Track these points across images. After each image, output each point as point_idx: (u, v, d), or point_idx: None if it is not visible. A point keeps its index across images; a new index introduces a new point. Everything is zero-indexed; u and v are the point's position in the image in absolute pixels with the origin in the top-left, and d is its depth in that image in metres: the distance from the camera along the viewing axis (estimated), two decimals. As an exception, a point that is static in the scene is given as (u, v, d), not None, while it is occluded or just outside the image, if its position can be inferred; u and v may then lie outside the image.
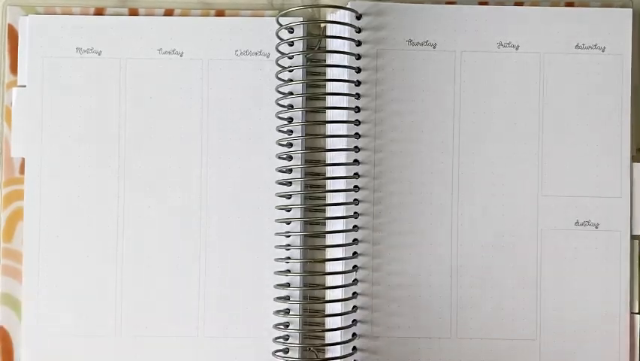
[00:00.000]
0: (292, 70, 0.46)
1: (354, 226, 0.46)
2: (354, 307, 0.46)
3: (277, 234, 0.46)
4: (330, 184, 0.46)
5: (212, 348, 0.47)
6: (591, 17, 0.48)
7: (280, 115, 0.46)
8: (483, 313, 0.46)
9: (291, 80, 0.46)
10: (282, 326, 0.45)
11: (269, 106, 0.47)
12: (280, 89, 0.46)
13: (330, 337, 0.45)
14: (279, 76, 0.46)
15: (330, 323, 0.46)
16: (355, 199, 0.46)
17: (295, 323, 0.46)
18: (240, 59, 0.48)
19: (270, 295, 0.46)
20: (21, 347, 0.47)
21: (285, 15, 0.46)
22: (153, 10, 0.48)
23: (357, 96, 0.46)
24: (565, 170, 0.47)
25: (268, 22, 0.47)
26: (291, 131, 0.46)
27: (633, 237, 0.47)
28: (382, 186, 0.47)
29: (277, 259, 0.46)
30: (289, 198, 0.46)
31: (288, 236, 0.46)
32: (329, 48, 0.47)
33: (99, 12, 0.48)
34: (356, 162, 0.46)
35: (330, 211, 0.46)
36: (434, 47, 0.47)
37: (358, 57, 0.47)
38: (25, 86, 0.48)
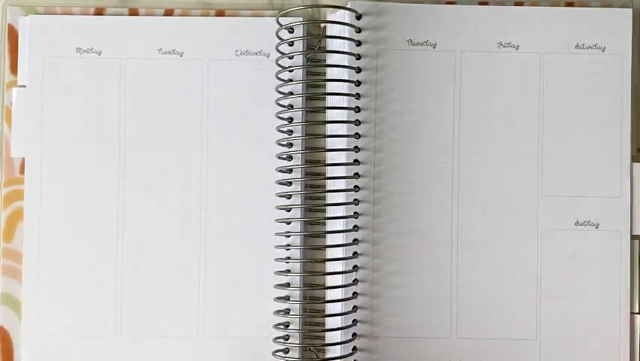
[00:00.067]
0: (292, 70, 0.46)
1: (355, 226, 0.46)
2: (354, 307, 0.46)
3: (277, 234, 0.46)
4: (330, 184, 0.46)
5: (212, 348, 0.47)
6: (591, 17, 0.48)
7: (280, 115, 0.46)
8: (483, 313, 0.46)
9: (291, 80, 0.46)
10: (282, 326, 0.45)
11: (269, 106, 0.47)
12: (280, 89, 0.46)
13: (330, 337, 0.45)
14: (279, 76, 0.46)
15: (330, 323, 0.45)
16: (355, 199, 0.46)
17: (295, 323, 0.46)
18: (240, 59, 0.48)
19: (270, 295, 0.46)
20: (21, 347, 0.47)
21: (285, 15, 0.46)
22: (153, 10, 0.48)
23: (358, 96, 0.46)
24: (565, 170, 0.47)
25: (268, 22, 0.47)
26: (291, 131, 0.46)
27: (633, 237, 0.47)
28: (382, 186, 0.47)
29: (277, 259, 0.46)
30: (289, 198, 0.46)
31: (288, 236, 0.46)
32: (329, 48, 0.47)
33: (99, 12, 0.48)
34: (356, 162, 0.46)
35: (330, 211, 0.46)
36: (434, 47, 0.47)
37: (358, 57, 0.47)
38: (25, 86, 0.48)
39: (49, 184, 0.47)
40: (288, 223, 0.46)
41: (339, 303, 0.45)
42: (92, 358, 0.46)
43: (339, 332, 0.45)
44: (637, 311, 0.47)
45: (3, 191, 0.48)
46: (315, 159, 0.47)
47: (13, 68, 0.48)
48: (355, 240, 0.46)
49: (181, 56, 0.48)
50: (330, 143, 0.47)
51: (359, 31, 0.47)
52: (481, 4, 0.48)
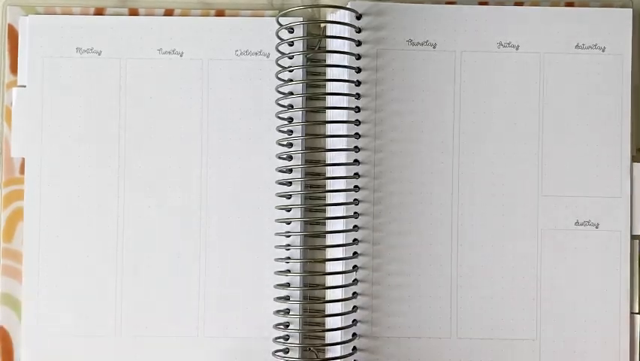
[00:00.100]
0: (292, 70, 0.46)
1: (355, 226, 0.46)
2: (354, 307, 0.46)
3: (277, 234, 0.46)
4: (330, 184, 0.46)
5: (212, 348, 0.47)
6: (591, 17, 0.48)
7: (280, 115, 0.46)
8: (483, 313, 0.46)
9: (291, 80, 0.46)
10: (282, 326, 0.45)
11: (269, 106, 0.47)
12: (280, 89, 0.46)
13: (330, 337, 0.45)
14: (279, 76, 0.46)
15: (330, 323, 0.45)
16: (355, 199, 0.46)
17: (295, 323, 0.46)
18: (240, 59, 0.48)
19: (270, 295, 0.46)
20: (21, 347, 0.47)
21: (285, 15, 0.46)
22: (153, 10, 0.48)
23: (357, 96, 0.46)
24: (565, 170, 0.47)
25: (268, 22, 0.47)
26: (291, 131, 0.46)
27: (633, 237, 0.47)
28: (382, 186, 0.47)
29: (277, 259, 0.46)
30: (289, 198, 0.46)
31: (288, 236, 0.46)
32: (329, 48, 0.47)
33: (99, 12, 0.48)
34: (356, 162, 0.46)
35: (330, 211, 0.46)
36: (434, 47, 0.47)
37: (358, 57, 0.47)
38: (25, 86, 0.48)
39: (49, 184, 0.47)
40: (288, 223, 0.46)
41: (339, 303, 0.45)
42: (92, 358, 0.46)
43: (339, 332, 0.45)
44: (637, 311, 0.47)
45: (3, 191, 0.48)
46: (315, 159, 0.47)
47: (13, 68, 0.48)
48: (355, 240, 0.46)
49: (181, 56, 0.48)
50: (330, 143, 0.47)
51: (359, 31, 0.47)
52: (481, 4, 0.48)
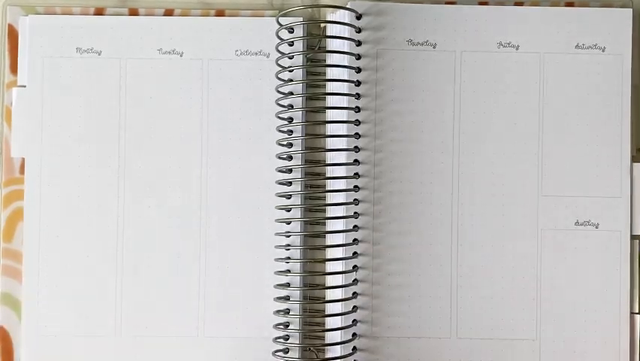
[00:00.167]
0: (292, 70, 0.46)
1: (355, 226, 0.46)
2: (354, 307, 0.46)
3: (277, 234, 0.46)
4: (330, 184, 0.46)
5: (212, 348, 0.47)
6: (591, 17, 0.48)
7: (280, 115, 0.46)
8: (483, 313, 0.46)
9: (291, 80, 0.46)
10: (282, 326, 0.45)
11: (269, 106, 0.47)
12: (280, 89, 0.46)
13: (330, 337, 0.45)
14: (279, 76, 0.46)
15: (330, 323, 0.45)
16: (355, 199, 0.46)
17: (295, 323, 0.46)
18: (240, 59, 0.48)
19: (270, 295, 0.46)
20: (21, 347, 0.47)
21: (285, 15, 0.46)
22: (153, 10, 0.48)
23: (357, 96, 0.46)
24: (565, 170, 0.47)
25: (268, 22, 0.47)
26: (291, 131, 0.46)
27: (633, 237, 0.47)
28: (382, 186, 0.47)
29: (277, 259, 0.46)
30: (289, 198, 0.46)
31: (288, 236, 0.46)
32: (329, 48, 0.47)
33: (99, 12, 0.48)
34: (356, 162, 0.46)
35: (330, 211, 0.46)
36: (434, 47, 0.47)
37: (358, 57, 0.47)
38: (25, 86, 0.48)
39: (49, 184, 0.47)
40: (288, 223, 0.46)
41: (339, 303, 0.45)
42: (92, 358, 0.46)
43: (339, 332, 0.45)
44: (637, 311, 0.47)
45: (3, 191, 0.48)
46: (315, 159, 0.47)
47: (13, 68, 0.48)
48: (355, 240, 0.46)
49: (181, 56, 0.48)
50: (330, 143, 0.47)
51: (359, 31, 0.47)
52: (481, 4, 0.48)
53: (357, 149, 0.46)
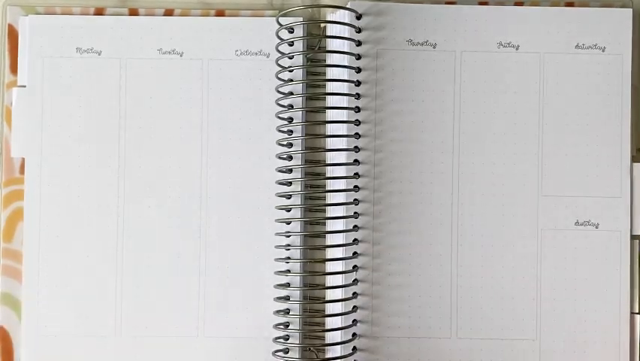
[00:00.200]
0: (292, 70, 0.46)
1: (355, 226, 0.46)
2: (354, 307, 0.46)
3: (277, 234, 0.46)
4: (330, 184, 0.46)
5: (212, 348, 0.47)
6: (591, 17, 0.48)
7: (280, 115, 0.46)
8: (483, 313, 0.46)
9: (291, 80, 0.46)
10: (282, 326, 0.45)
11: (269, 106, 0.47)
12: (280, 89, 0.46)
13: (330, 337, 0.45)
14: (279, 76, 0.46)
15: (330, 323, 0.45)
16: (355, 199, 0.46)
17: (295, 323, 0.46)
18: (240, 59, 0.48)
19: (270, 295, 0.46)
20: (21, 347, 0.47)
21: (285, 15, 0.46)
22: (153, 10, 0.48)
23: (357, 96, 0.46)
24: (565, 170, 0.47)
25: (268, 22, 0.47)
26: (291, 131, 0.46)
27: (633, 237, 0.47)
28: (382, 186, 0.47)
29: (277, 259, 0.46)
30: (289, 198, 0.46)
31: (288, 236, 0.46)
32: (329, 48, 0.47)
33: (99, 12, 0.48)
34: (356, 162, 0.46)
35: (330, 211, 0.46)
36: (434, 47, 0.47)
37: (358, 57, 0.47)
38: (25, 86, 0.48)
39: (49, 184, 0.47)
40: (288, 223, 0.46)
41: (339, 303, 0.45)
42: (92, 358, 0.46)
43: (339, 332, 0.45)
44: (637, 311, 0.47)
45: (3, 191, 0.48)
46: (315, 159, 0.47)
47: (13, 68, 0.48)
48: (355, 240, 0.46)
49: (181, 56, 0.48)
50: (330, 143, 0.47)
51: (359, 31, 0.47)
52: (481, 4, 0.48)
53: (357, 149, 0.46)
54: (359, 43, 0.47)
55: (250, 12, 0.48)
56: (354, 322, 0.45)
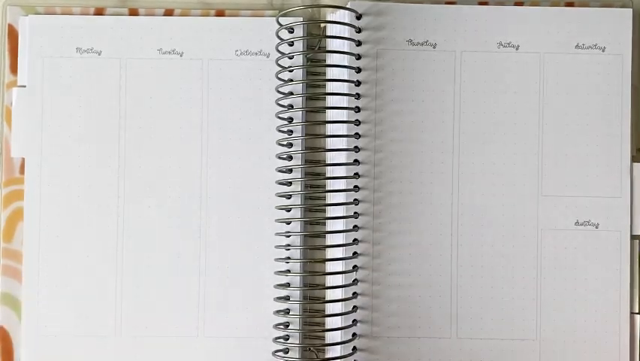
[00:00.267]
0: (292, 70, 0.46)
1: (355, 226, 0.46)
2: (354, 307, 0.46)
3: (277, 234, 0.46)
4: (330, 184, 0.46)
5: (212, 348, 0.47)
6: (591, 17, 0.48)
7: (280, 115, 0.46)
8: (483, 313, 0.46)
9: (291, 80, 0.46)
10: (282, 326, 0.45)
11: (269, 106, 0.47)
12: (280, 89, 0.46)
13: (330, 337, 0.45)
14: (279, 76, 0.46)
15: (330, 323, 0.45)
16: (355, 199, 0.46)
17: (295, 323, 0.46)
18: (240, 59, 0.48)
19: (270, 295, 0.46)
20: (21, 347, 0.47)
21: (285, 15, 0.46)
22: (153, 10, 0.48)
23: (357, 96, 0.46)
24: (565, 170, 0.47)
25: (268, 22, 0.47)
26: (291, 132, 0.46)
27: (633, 237, 0.47)
28: (382, 186, 0.47)
29: (277, 259, 0.46)
30: (289, 198, 0.46)
31: (288, 236, 0.46)
32: (329, 48, 0.47)
33: (99, 12, 0.48)
34: (356, 162, 0.46)
35: (330, 211, 0.46)
36: (434, 47, 0.47)
37: (358, 57, 0.47)
38: (25, 86, 0.48)
39: (49, 184, 0.47)
40: (288, 223, 0.46)
41: (339, 303, 0.45)
42: (92, 358, 0.46)
43: (339, 332, 0.45)
44: (637, 311, 0.47)
45: (3, 191, 0.48)
46: (315, 159, 0.47)
47: (13, 68, 0.48)
48: (355, 240, 0.46)
49: (181, 56, 0.48)
50: (330, 143, 0.47)
51: (359, 31, 0.47)
52: (481, 4, 0.48)
53: (357, 149, 0.46)
54: (359, 44, 0.47)
55: (250, 12, 0.48)
56: (354, 322, 0.45)
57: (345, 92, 0.46)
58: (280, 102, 0.46)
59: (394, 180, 0.47)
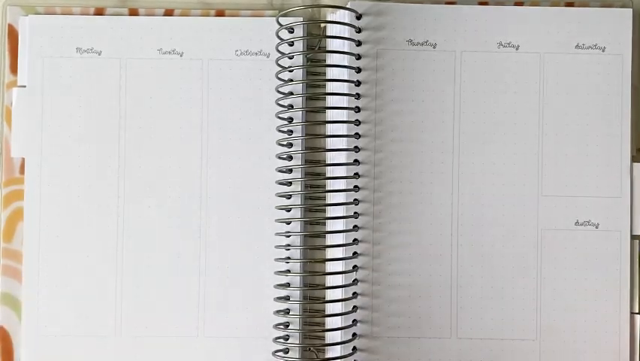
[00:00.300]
0: (292, 70, 0.46)
1: (355, 226, 0.46)
2: (354, 307, 0.46)
3: (277, 234, 0.46)
4: (330, 184, 0.46)
5: (212, 348, 0.47)
6: (591, 17, 0.48)
7: (280, 115, 0.46)
8: (483, 313, 0.46)
9: (291, 80, 0.46)
10: (282, 326, 0.45)
11: (269, 106, 0.47)
12: (280, 89, 0.46)
13: (330, 337, 0.45)
14: (279, 76, 0.46)
15: (330, 323, 0.46)
16: (355, 199, 0.46)
17: (295, 323, 0.46)
18: (240, 59, 0.48)
19: (270, 295, 0.46)
20: (21, 347, 0.47)
21: (285, 15, 0.46)
22: (153, 10, 0.48)
23: (357, 96, 0.46)
24: (565, 170, 0.47)
25: (268, 22, 0.47)
26: (291, 132, 0.46)
27: (633, 237, 0.47)
28: (382, 186, 0.47)
29: (277, 259, 0.46)
30: (289, 198, 0.46)
31: (288, 236, 0.46)
32: (329, 48, 0.47)
33: (99, 12, 0.48)
34: (356, 162, 0.46)
35: (330, 211, 0.46)
36: (434, 47, 0.47)
37: (358, 57, 0.47)
38: (25, 86, 0.48)
39: (49, 184, 0.47)
40: (288, 223, 0.46)
41: (339, 303, 0.45)
42: (92, 358, 0.46)
43: (339, 332, 0.45)
44: (637, 311, 0.47)
45: (3, 191, 0.48)
46: (315, 159, 0.47)
47: (13, 68, 0.48)
48: (355, 240, 0.46)
49: (181, 56, 0.48)
50: (330, 143, 0.47)
51: (359, 31, 0.47)
52: (481, 4, 0.48)
53: (357, 149, 0.46)
54: (359, 44, 0.47)
55: (250, 12, 0.48)
56: (354, 322, 0.45)
57: (345, 92, 0.46)
58: (280, 102, 0.46)
59: (394, 180, 0.47)
